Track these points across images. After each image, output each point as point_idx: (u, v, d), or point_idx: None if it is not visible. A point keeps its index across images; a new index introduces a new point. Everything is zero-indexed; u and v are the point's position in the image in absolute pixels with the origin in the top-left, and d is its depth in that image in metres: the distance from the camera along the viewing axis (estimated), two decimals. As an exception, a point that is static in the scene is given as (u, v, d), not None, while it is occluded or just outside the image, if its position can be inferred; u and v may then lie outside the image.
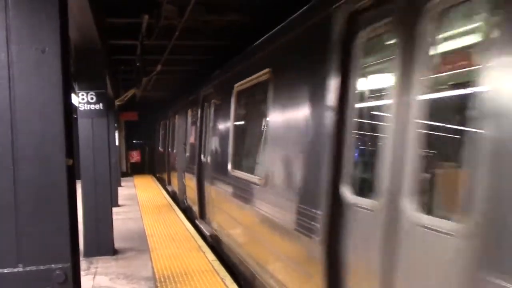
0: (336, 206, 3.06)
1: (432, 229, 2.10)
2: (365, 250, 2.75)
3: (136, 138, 23.50)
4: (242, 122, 6.12)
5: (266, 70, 4.67)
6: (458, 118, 2.22)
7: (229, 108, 6.22)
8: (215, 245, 7.31)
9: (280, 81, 4.35)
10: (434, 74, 2.30)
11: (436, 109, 2.29)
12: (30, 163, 2.32)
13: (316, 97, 3.45)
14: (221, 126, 6.82)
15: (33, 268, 2.33)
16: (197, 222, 8.52)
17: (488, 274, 1.78)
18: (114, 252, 7.04)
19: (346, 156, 3.04)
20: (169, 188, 14.00)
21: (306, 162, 3.61)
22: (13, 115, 2.28)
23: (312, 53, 3.64)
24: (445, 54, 2.30)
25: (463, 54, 2.23)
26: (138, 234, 8.35)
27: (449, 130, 2.33)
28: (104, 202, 6.91)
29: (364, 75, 3.01)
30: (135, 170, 22.08)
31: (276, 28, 4.81)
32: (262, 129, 4.86)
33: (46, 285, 2.34)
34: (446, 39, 2.29)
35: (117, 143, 15.95)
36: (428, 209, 2.19)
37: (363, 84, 3.03)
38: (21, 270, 2.32)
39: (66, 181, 2.37)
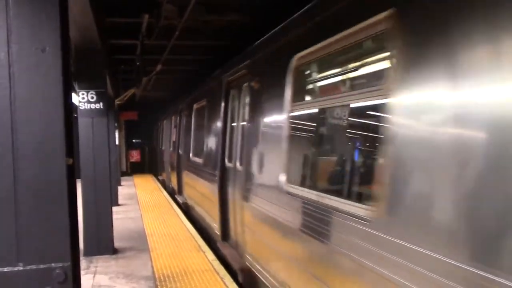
0: (223, 168, 6.66)
1: (240, 171, 5.57)
2: (230, 186, 6.27)
3: (136, 138, 23.50)
4: (197, 128, 9.54)
5: (205, 99, 8.47)
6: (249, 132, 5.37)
7: (191, 119, 10.07)
8: (185, 208, 10.90)
9: (210, 106, 8.03)
10: (248, 112, 5.41)
11: (246, 128, 5.48)
12: (30, 162, 2.32)
13: (219, 117, 6.97)
14: (188, 130, 10.46)
15: (33, 267, 2.33)
16: (176, 196, 12.51)
17: (247, 186, 5.16)
18: (114, 251, 7.05)
19: (227, 146, 6.62)
20: (160, 178, 18.06)
21: (214, 150, 7.29)
22: (13, 114, 2.28)
23: (218, 95, 7.15)
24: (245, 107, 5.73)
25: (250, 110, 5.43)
26: (138, 234, 8.36)
27: (250, 137, 5.26)
28: (104, 201, 6.92)
29: (232, 109, 6.57)
30: (135, 170, 22.08)
31: (211, 75, 8.60)
32: (203, 132, 8.48)
33: (46, 284, 2.34)
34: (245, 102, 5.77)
35: (117, 143, 15.96)
36: (241, 164, 5.55)
37: (232, 113, 6.59)
38: (21, 269, 2.32)
39: (66, 180, 2.37)
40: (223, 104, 6.76)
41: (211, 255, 6.74)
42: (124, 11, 6.58)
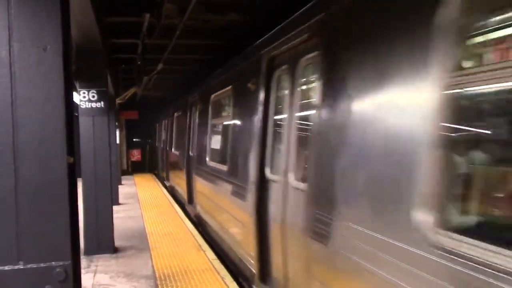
0: (188, 157, 10.12)
1: (194, 157, 9.34)
2: (192, 168, 9.60)
3: (136, 137, 23.49)
4: (177, 130, 13.02)
5: (181, 110, 12.00)
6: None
7: (173, 123, 13.78)
8: (170, 189, 14.43)
9: (183, 115, 11.31)
10: (198, 121, 9.37)
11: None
12: (31, 161, 2.32)
13: (184, 124, 10.83)
14: (171, 131, 14.21)
15: (34, 265, 2.34)
16: (164, 182, 16.07)
17: (197, 166, 8.98)
18: (114, 250, 7.06)
19: (190, 142, 10.09)
20: (155, 172, 21.13)
21: (184, 145, 10.62)
22: (14, 113, 2.29)
23: (186, 109, 10.77)
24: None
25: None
26: (139, 233, 8.37)
27: (198, 137, 9.06)
28: (104, 200, 6.93)
29: (194, 119, 9.74)
30: (136, 169, 22.08)
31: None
32: (179, 133, 12.20)
33: (47, 282, 2.34)
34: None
35: (117, 142, 15.95)
36: (194, 153, 9.42)
37: (193, 121, 9.87)
38: (22, 267, 2.33)
39: (67, 179, 2.38)
40: (188, 115, 10.47)
41: (211, 254, 6.75)
42: (124, 10, 6.58)
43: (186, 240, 7.71)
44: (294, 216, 3.82)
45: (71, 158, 2.41)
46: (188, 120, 10.35)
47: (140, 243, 7.59)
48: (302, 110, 3.88)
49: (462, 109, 2.08)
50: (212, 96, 7.74)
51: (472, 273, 1.81)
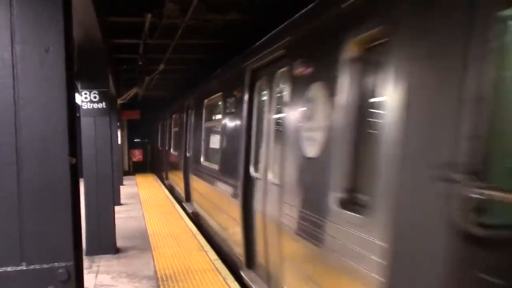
0: (167, 152, 15.34)
1: (171, 152, 14.50)
2: (167, 159, 15.62)
3: (138, 137, 23.50)
4: (164, 132, 16.34)
5: (163, 120, 17.10)
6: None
7: (165, 128, 15.86)
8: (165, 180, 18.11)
9: (170, 121, 14.71)
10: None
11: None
12: (33, 161, 2.32)
13: (164, 129, 16.58)
14: (160, 132, 18.30)
15: (37, 266, 2.34)
16: (156, 173, 20.71)
17: (171, 158, 14.66)
18: (116, 250, 7.06)
19: (168, 141, 15.15)
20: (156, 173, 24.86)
21: (163, 142, 16.97)
22: (17, 113, 2.29)
23: (163, 121, 17.16)
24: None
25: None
26: (140, 233, 8.37)
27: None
28: (106, 200, 6.93)
29: (176, 123, 13.43)
30: (137, 169, 22.10)
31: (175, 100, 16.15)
32: (166, 135, 15.64)
33: (49, 283, 2.34)
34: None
35: (119, 142, 15.98)
36: (173, 150, 13.78)
37: (175, 125, 13.85)
38: (24, 268, 2.33)
39: (69, 180, 2.38)
40: (167, 123, 14.94)
41: (213, 255, 6.75)
42: (125, 10, 6.57)
43: (188, 240, 7.71)
44: (193, 169, 8.91)
45: (73, 159, 2.41)
46: (167, 127, 15.33)
47: (142, 243, 7.59)
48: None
49: (208, 131, 8.22)
50: (173, 115, 13.48)
51: (201, 170, 8.32)
